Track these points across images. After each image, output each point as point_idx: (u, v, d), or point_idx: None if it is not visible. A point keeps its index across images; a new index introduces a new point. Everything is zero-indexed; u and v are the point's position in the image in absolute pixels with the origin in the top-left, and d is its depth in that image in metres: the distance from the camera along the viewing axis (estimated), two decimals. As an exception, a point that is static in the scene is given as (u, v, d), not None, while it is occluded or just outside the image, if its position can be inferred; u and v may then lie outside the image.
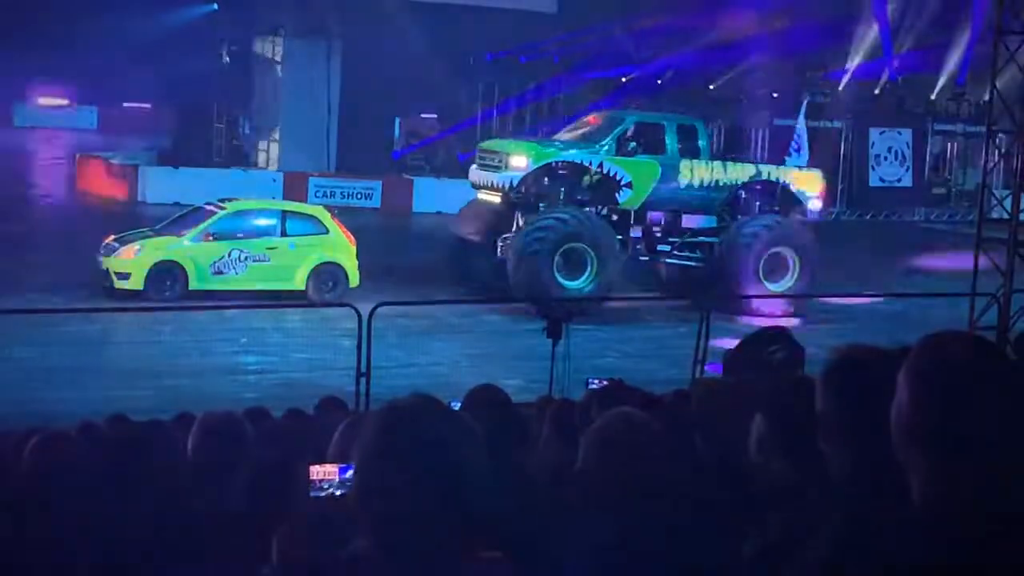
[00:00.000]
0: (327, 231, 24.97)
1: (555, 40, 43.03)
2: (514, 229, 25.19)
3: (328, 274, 24.48)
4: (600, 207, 25.48)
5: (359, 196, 39.17)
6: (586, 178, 25.45)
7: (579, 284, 24.30)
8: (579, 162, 25.47)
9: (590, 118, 27.66)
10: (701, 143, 26.50)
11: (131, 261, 23.73)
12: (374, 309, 14.94)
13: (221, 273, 23.96)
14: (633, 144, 25.61)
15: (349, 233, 25.04)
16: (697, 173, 25.92)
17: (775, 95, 42.59)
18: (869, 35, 43.60)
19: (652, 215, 26.08)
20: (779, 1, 40.30)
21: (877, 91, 46.10)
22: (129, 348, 19.16)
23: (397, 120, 44.44)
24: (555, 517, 4.04)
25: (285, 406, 8.59)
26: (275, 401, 10.24)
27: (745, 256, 24.98)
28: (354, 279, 24.47)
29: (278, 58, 41.64)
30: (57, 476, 4.99)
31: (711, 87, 45.01)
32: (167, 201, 36.14)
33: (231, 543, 4.53)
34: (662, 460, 3.57)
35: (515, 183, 25.18)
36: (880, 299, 24.96)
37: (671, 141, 25.92)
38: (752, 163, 28.14)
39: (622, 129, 25.84)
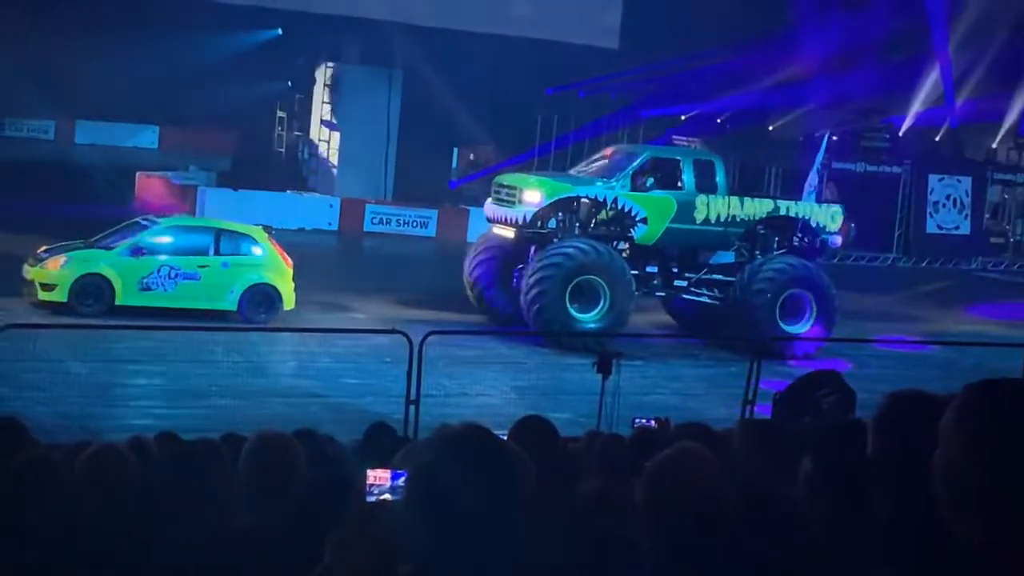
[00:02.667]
0: (262, 252, 24.33)
1: (615, 76, 43.06)
2: (529, 261, 24.94)
3: (262, 295, 23.80)
4: (615, 242, 25.23)
5: (415, 224, 39.32)
6: (602, 214, 25.27)
7: (591, 317, 24.11)
8: (593, 197, 25.22)
9: (606, 152, 27.45)
10: (718, 179, 25.96)
11: (56, 273, 23.20)
12: (425, 337, 14.97)
13: (149, 289, 23.42)
14: (650, 180, 25.30)
15: (286, 255, 24.41)
16: (714, 208, 25.51)
17: (834, 138, 42.47)
18: (931, 81, 43.41)
19: (668, 250, 25.82)
20: (842, 44, 40.21)
21: (937, 138, 45.88)
22: (182, 366, 19.27)
23: (455, 150, 44.66)
24: (606, 551, 4.05)
25: (333, 431, 8.63)
26: (324, 426, 10.27)
27: (761, 299, 24.74)
28: (289, 302, 23.81)
29: (340, 85, 41.88)
30: (108, 488, 5.04)
31: (771, 128, 44.94)
32: (226, 222, 36.46)
33: (283, 549, 4.58)
34: (721, 496, 3.57)
35: (528, 218, 25.02)
36: (934, 346, 24.78)
37: (688, 177, 25.56)
38: (770, 198, 27.70)
39: (638, 164, 25.56)
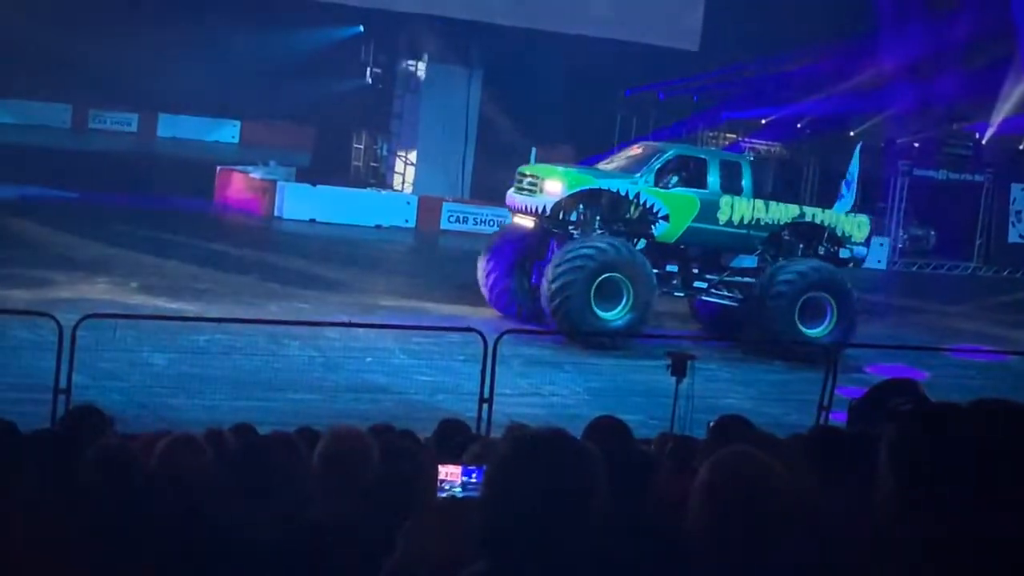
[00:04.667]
0: None
1: (696, 78, 42.92)
2: (550, 255, 24.60)
3: None
4: (635, 238, 24.90)
5: (491, 223, 39.33)
6: (631, 209, 24.89)
7: (614, 315, 23.75)
8: (615, 191, 24.85)
9: (633, 148, 27.10)
10: (744, 181, 25.49)
11: None
12: (500, 336, 15.00)
13: None
14: (674, 177, 24.97)
15: None
16: (738, 210, 25.14)
17: (916, 144, 42.12)
18: (1016, 89, 42.91)
19: (690, 250, 25.48)
20: (925, 49, 39.86)
21: (1022, 146, 45.36)
22: (258, 360, 19.39)
23: (533, 149, 44.67)
24: (671, 555, 4.04)
25: (405, 427, 8.68)
26: (396, 422, 10.32)
27: (780, 300, 24.34)
28: None
29: (420, 82, 42.01)
30: (184, 477, 5.09)
31: (851, 133, 44.63)
32: (303, 218, 36.69)
33: (355, 542, 4.62)
34: (782, 501, 3.56)
35: (550, 208, 24.64)
36: (1012, 356, 24.50)
37: (713, 177, 25.15)
38: (796, 204, 27.06)
39: (663, 161, 25.17)
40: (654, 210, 24.74)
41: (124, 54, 43.09)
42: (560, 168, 26.13)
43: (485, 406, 14.41)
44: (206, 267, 26.98)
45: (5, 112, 50.06)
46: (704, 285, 25.45)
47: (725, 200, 25.06)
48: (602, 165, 26.75)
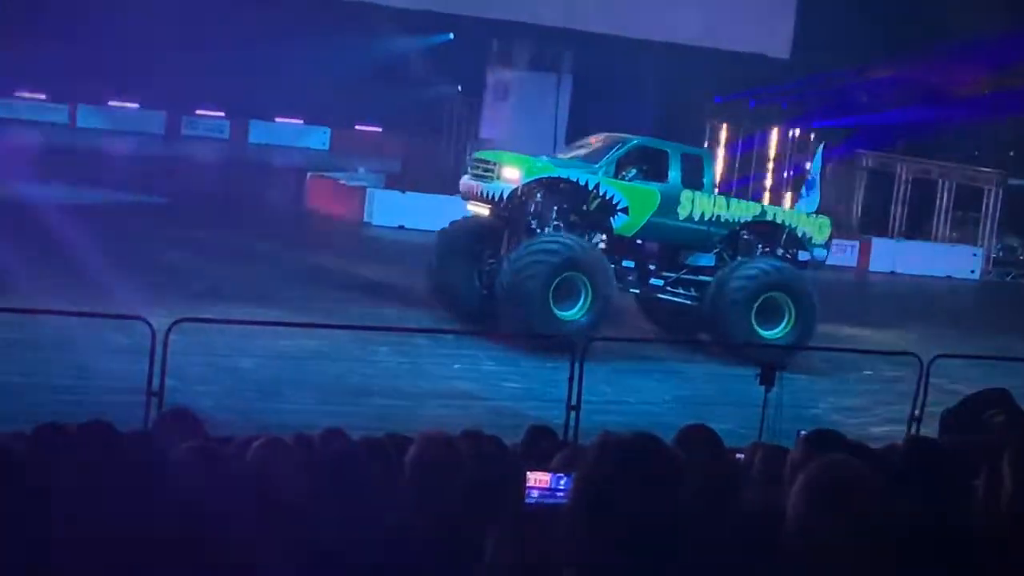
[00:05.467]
0: None
1: (786, 86, 42.66)
2: (503, 250, 23.82)
3: None
4: (592, 231, 23.99)
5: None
6: (590, 200, 23.74)
7: (572, 315, 22.72)
8: (574, 180, 23.75)
9: (592, 139, 25.97)
10: (706, 175, 24.77)
11: None
12: (589, 343, 14.97)
13: None
14: (633, 169, 24.14)
15: None
16: (698, 206, 24.28)
17: (1011, 154, 41.62)
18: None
19: (647, 246, 24.58)
20: (1017, 57, 39.34)
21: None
22: (346, 365, 19.50)
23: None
24: (763, 566, 4.00)
25: (493, 433, 8.68)
26: (484, 429, 10.31)
27: (737, 299, 23.53)
28: None
29: (509, 89, 42.08)
30: (277, 481, 5.12)
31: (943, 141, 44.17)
32: (392, 224, 36.87)
33: (443, 548, 4.62)
34: (877, 510, 3.51)
35: (506, 195, 23.51)
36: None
37: (674, 170, 24.26)
38: (757, 203, 26.38)
39: (623, 151, 24.29)
40: (613, 202, 23.85)
41: (217, 61, 43.50)
42: (517, 155, 24.94)
43: (572, 413, 14.39)
44: (295, 272, 27.17)
45: (100, 118, 50.74)
46: (661, 283, 24.54)
47: (686, 195, 24.25)
48: (560, 154, 26.04)
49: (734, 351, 22.15)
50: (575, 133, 40.94)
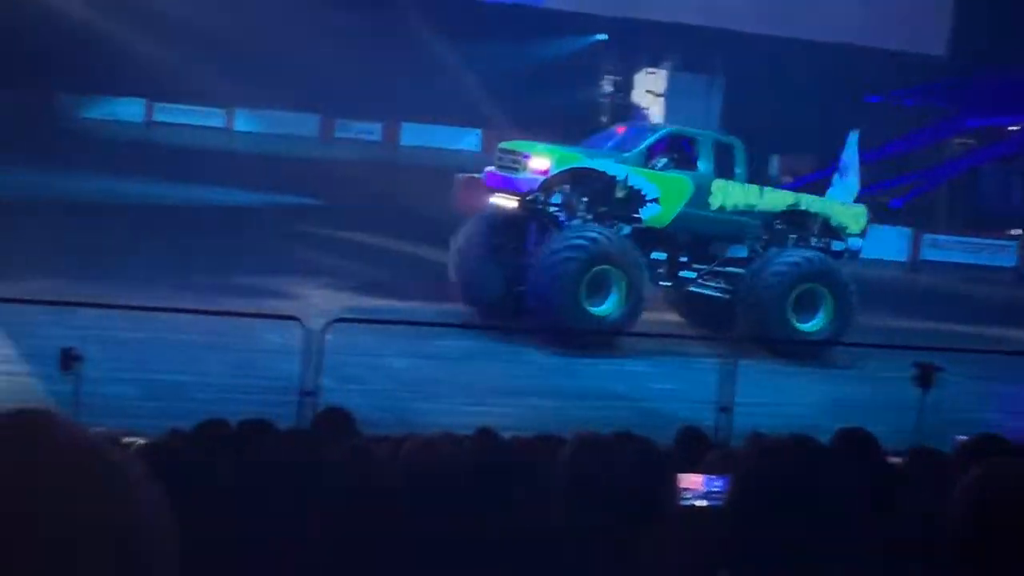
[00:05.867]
0: None
1: (942, 84, 41.91)
2: (530, 243, 23.09)
3: None
4: (622, 223, 23.19)
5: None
6: (619, 191, 23.02)
7: (605, 310, 22.08)
8: (603, 171, 23.02)
9: (619, 127, 25.35)
10: (738, 164, 23.89)
11: None
12: (739, 345, 14.86)
13: None
14: (664, 159, 23.41)
15: None
16: (731, 196, 23.54)
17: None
18: None
19: (679, 237, 23.77)
20: None
21: None
22: (496, 365, 19.60)
23: (774, 157, 44.21)
24: (924, 569, 3.94)
25: (643, 434, 8.64)
26: (633, 430, 10.28)
27: (772, 292, 22.72)
28: None
29: (660, 90, 41.97)
30: (428, 480, 5.14)
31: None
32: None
33: (595, 550, 4.61)
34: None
35: (535, 187, 22.76)
36: None
37: (706, 159, 23.57)
38: (791, 192, 25.43)
39: (654, 140, 23.66)
40: (644, 193, 23.14)
41: (369, 64, 43.97)
42: (546, 145, 24.14)
43: (723, 415, 14.29)
44: (447, 273, 27.33)
45: (255, 122, 51.60)
46: (692, 275, 23.82)
47: (718, 184, 23.52)
48: (587, 143, 25.12)
49: (775, 346, 21.84)
50: (726, 132, 40.71)
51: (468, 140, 54.38)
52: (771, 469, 3.06)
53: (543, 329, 22.03)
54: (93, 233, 25.10)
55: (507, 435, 7.19)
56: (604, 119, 43.41)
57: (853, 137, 25.99)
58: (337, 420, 6.77)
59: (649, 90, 42.56)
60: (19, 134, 37.19)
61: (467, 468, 5.19)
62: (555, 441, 6.26)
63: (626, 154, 23.31)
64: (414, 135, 53.64)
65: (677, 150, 23.73)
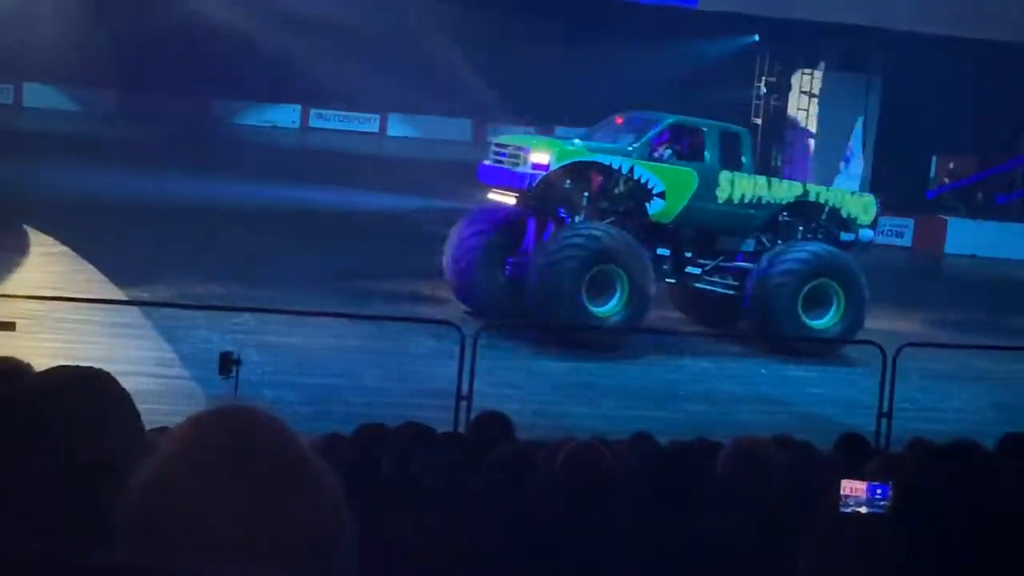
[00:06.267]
0: None
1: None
2: (530, 241, 22.10)
3: None
4: (626, 218, 22.09)
5: (890, 234, 38.49)
6: (623, 185, 21.98)
7: (609, 310, 21.03)
8: (607, 164, 21.93)
9: (618, 118, 23.68)
10: (744, 155, 22.89)
11: None
12: (899, 349, 14.60)
13: None
14: (668, 150, 22.34)
15: None
16: (738, 188, 22.41)
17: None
18: None
19: (684, 232, 22.62)
20: None
21: None
22: (651, 370, 19.54)
23: (934, 159, 43.41)
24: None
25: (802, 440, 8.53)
26: (792, 435, 10.15)
27: (782, 288, 21.65)
28: None
29: (815, 91, 41.49)
30: (586, 485, 5.12)
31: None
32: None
33: (753, 555, 4.55)
34: None
35: (535, 182, 21.61)
36: None
37: (711, 150, 22.48)
38: (799, 182, 24.18)
39: (657, 131, 22.45)
40: (649, 186, 22.00)
41: (523, 70, 44.12)
42: (545, 138, 23.23)
43: (884, 420, 14.06)
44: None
45: (408, 126, 52.04)
46: (698, 271, 22.64)
47: (725, 176, 22.42)
48: (588, 135, 23.86)
49: (783, 344, 21.23)
50: (884, 133, 40.13)
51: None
52: (934, 475, 2.96)
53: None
54: (249, 238, 25.48)
55: (664, 440, 7.14)
56: (758, 121, 43.10)
57: (858, 124, 25.22)
58: (495, 424, 6.75)
59: (804, 90, 42.05)
60: (177, 140, 37.99)
61: (625, 473, 5.15)
62: (712, 446, 6.18)
63: (629, 147, 22.33)
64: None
65: (681, 141, 22.77)
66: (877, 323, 23.71)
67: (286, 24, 40.53)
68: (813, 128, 41.48)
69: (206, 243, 24.27)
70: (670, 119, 22.94)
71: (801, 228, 23.13)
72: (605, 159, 22.00)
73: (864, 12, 37.15)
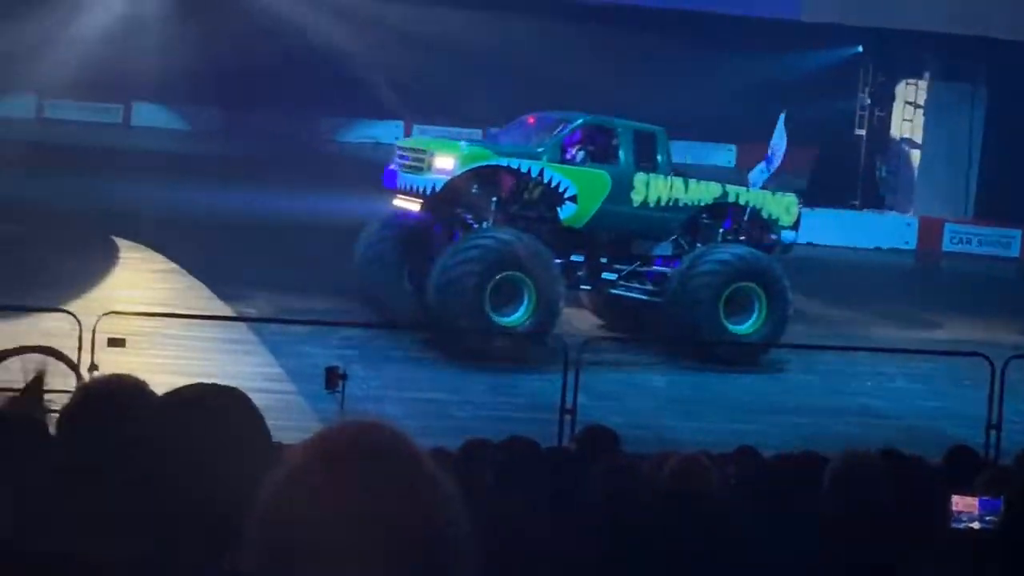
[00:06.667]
0: None
1: None
2: (436, 250, 20.98)
3: None
4: (537, 224, 21.26)
5: (997, 244, 38.04)
6: (533, 189, 21.17)
7: (515, 320, 20.04)
8: (516, 168, 21.00)
9: (530, 118, 22.73)
10: (660, 156, 21.98)
11: None
12: (1008, 361, 14.44)
13: None
14: (581, 152, 21.39)
15: None
16: (653, 190, 21.51)
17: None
18: None
19: (598, 237, 21.69)
20: None
21: None
22: (756, 382, 19.44)
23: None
24: None
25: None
26: (900, 448, 10.06)
27: (702, 292, 20.83)
28: None
29: (920, 101, 41.07)
30: (692, 499, 5.13)
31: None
32: (800, 240, 36.34)
33: (864, 571, 4.54)
34: None
35: (439, 188, 20.56)
36: None
37: (625, 150, 21.55)
38: (718, 182, 22.97)
39: (569, 132, 21.46)
40: (560, 190, 21.08)
41: (630, 84, 44.08)
42: (450, 141, 22.21)
43: (993, 432, 13.90)
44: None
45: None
46: (614, 277, 21.74)
47: (639, 178, 21.54)
48: (497, 137, 23.07)
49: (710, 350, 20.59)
50: (992, 144, 39.58)
51: (722, 156, 54.02)
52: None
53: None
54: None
55: (768, 453, 7.12)
56: (862, 132, 42.74)
57: (780, 120, 24.25)
58: (600, 438, 6.77)
59: (909, 101, 41.62)
60: (281, 157, 38.37)
61: (731, 487, 5.15)
62: (818, 459, 6.16)
63: (539, 148, 21.40)
64: (676, 151, 53.36)
65: (594, 142, 21.78)
66: (983, 334, 23.47)
67: (390, 39, 40.80)
68: (918, 139, 41.04)
69: (311, 257, 24.45)
70: (581, 119, 21.97)
71: (722, 230, 22.35)
72: (513, 162, 21.13)
73: (966, 22, 36.71)
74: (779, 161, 23.57)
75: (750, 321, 21.37)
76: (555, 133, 21.55)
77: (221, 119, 48.12)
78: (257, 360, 17.75)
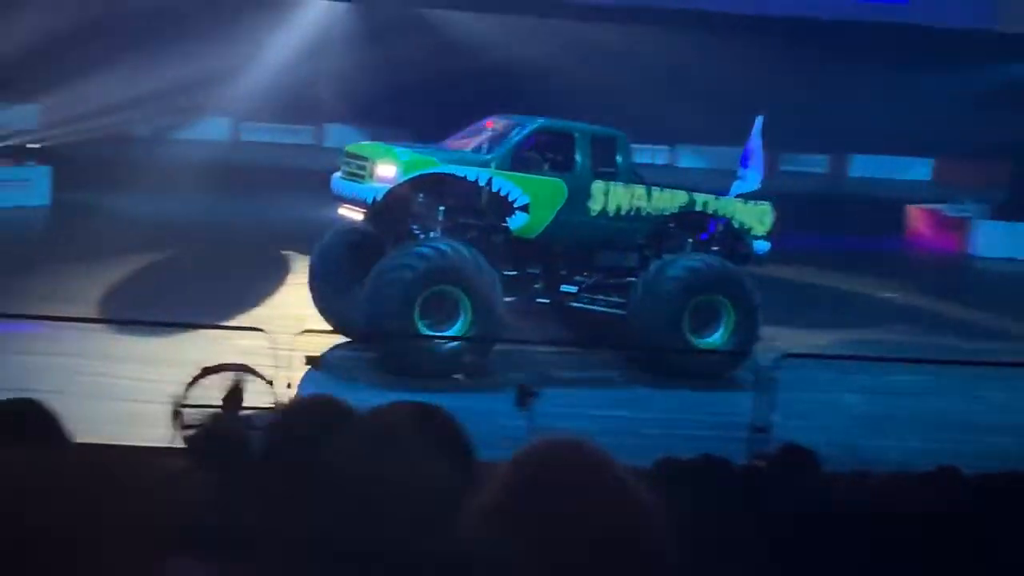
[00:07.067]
0: None
1: None
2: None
3: None
4: (489, 234, 20.29)
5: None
6: (482, 198, 20.07)
7: (452, 334, 19.01)
8: (462, 176, 19.96)
9: (488, 122, 21.56)
10: (619, 161, 20.86)
11: None
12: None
13: None
14: (535, 158, 20.39)
15: None
16: (613, 198, 20.49)
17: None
18: None
19: (555, 248, 20.65)
20: None
21: None
22: (951, 401, 19.05)
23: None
24: None
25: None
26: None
27: (667, 304, 19.70)
28: None
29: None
30: (896, 520, 5.01)
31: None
32: (999, 256, 35.58)
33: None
34: None
35: (380, 197, 19.61)
36: None
37: (583, 156, 20.52)
38: (684, 191, 21.49)
39: (522, 137, 20.41)
40: (510, 199, 20.10)
41: (810, 97, 43.58)
42: (393, 148, 20.84)
43: None
44: (886, 307, 26.79)
45: (695, 157, 51.83)
46: (574, 289, 20.75)
47: (597, 186, 20.49)
48: (446, 143, 21.69)
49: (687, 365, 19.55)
50: None
51: (919, 170, 53.11)
52: None
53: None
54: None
55: (969, 472, 6.92)
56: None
57: (758, 123, 22.61)
58: (797, 458, 6.67)
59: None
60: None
61: (937, 508, 5.02)
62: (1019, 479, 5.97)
63: (489, 155, 20.40)
64: (862, 166, 52.79)
65: (550, 148, 20.71)
66: None
67: (569, 56, 40.95)
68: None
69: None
70: (535, 123, 20.93)
71: (690, 240, 21.32)
72: (459, 170, 20.12)
73: None
74: (756, 165, 22.13)
75: (717, 333, 20.30)
76: (507, 139, 20.62)
77: (409, 139, 48.72)
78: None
